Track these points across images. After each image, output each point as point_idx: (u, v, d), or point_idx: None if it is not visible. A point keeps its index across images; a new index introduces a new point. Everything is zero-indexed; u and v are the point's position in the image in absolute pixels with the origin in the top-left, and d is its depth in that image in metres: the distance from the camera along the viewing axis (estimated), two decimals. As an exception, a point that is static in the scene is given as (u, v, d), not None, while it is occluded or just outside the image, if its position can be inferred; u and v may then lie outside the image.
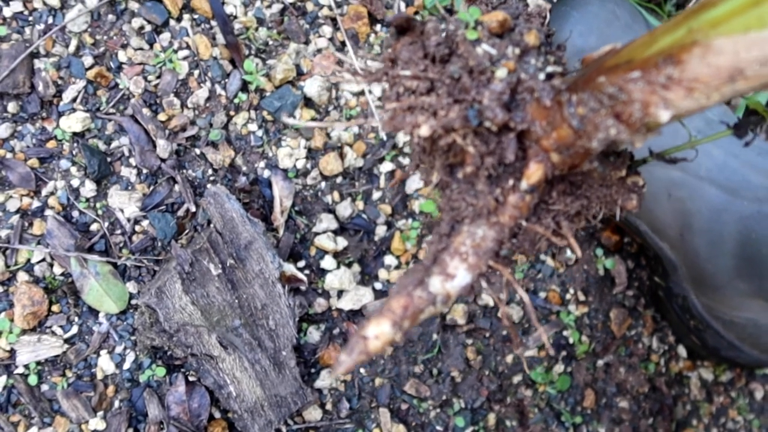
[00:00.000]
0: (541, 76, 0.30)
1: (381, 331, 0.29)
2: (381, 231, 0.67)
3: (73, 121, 0.59)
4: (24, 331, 0.57)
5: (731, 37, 0.23)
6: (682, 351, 0.77)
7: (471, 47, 0.30)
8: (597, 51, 0.31)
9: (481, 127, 0.29)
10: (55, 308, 0.59)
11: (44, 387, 0.58)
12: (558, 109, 0.29)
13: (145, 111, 0.61)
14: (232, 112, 0.64)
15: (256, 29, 0.65)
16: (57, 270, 0.59)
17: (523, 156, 0.30)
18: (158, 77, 0.62)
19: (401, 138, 0.67)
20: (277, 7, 0.66)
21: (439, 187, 0.34)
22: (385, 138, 0.67)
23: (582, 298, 0.73)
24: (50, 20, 0.60)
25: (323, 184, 0.66)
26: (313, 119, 0.66)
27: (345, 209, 0.66)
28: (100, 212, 0.60)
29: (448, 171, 0.33)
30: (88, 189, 0.60)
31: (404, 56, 0.32)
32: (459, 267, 0.31)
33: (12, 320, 0.57)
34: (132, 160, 0.61)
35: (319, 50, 0.67)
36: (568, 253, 0.72)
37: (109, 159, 0.61)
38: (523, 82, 0.29)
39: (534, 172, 0.30)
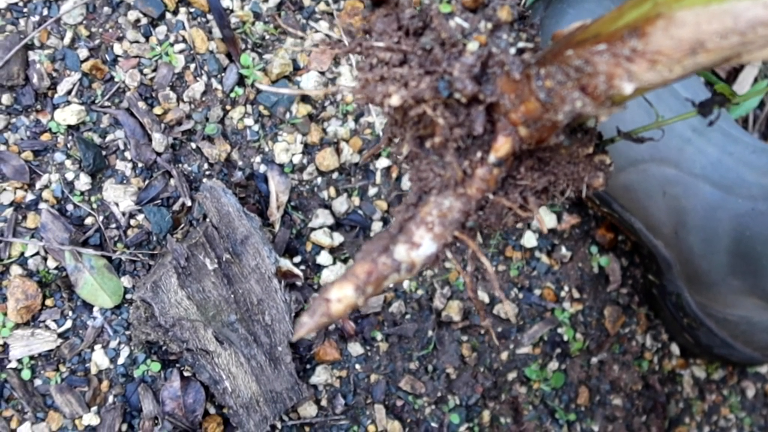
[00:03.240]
0: (512, 50, 0.30)
1: (344, 294, 0.29)
2: (377, 227, 0.67)
3: (68, 114, 0.59)
4: (17, 325, 0.57)
5: (693, 9, 0.23)
6: (675, 349, 0.78)
7: (444, 20, 0.31)
8: (568, 27, 0.31)
9: (450, 98, 0.30)
10: (48, 302, 0.58)
11: (37, 382, 0.58)
12: (527, 83, 0.29)
13: (141, 104, 0.61)
14: (228, 107, 0.63)
15: (253, 23, 0.65)
16: (51, 264, 0.58)
17: (492, 130, 0.31)
18: (154, 71, 0.62)
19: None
20: (273, 2, 0.65)
21: (408, 159, 0.34)
22: (381, 134, 0.67)
23: (576, 295, 0.73)
24: (45, 12, 0.60)
25: (319, 179, 0.66)
26: (310, 115, 0.65)
27: (341, 205, 0.66)
28: (94, 206, 0.60)
29: (418, 143, 0.33)
30: (83, 182, 0.59)
31: (378, 28, 0.32)
32: (425, 236, 0.31)
33: (5, 314, 0.56)
34: (127, 154, 0.61)
35: (315, 45, 0.66)
36: (563, 250, 0.72)
37: (104, 152, 0.60)
38: (494, 56, 0.30)
39: (502, 146, 0.30)
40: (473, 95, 0.30)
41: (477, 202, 0.32)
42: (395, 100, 0.30)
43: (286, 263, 0.62)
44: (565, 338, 0.72)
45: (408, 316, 0.67)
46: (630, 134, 0.38)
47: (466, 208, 0.32)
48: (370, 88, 0.31)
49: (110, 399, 0.59)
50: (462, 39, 0.31)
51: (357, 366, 0.66)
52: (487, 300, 0.69)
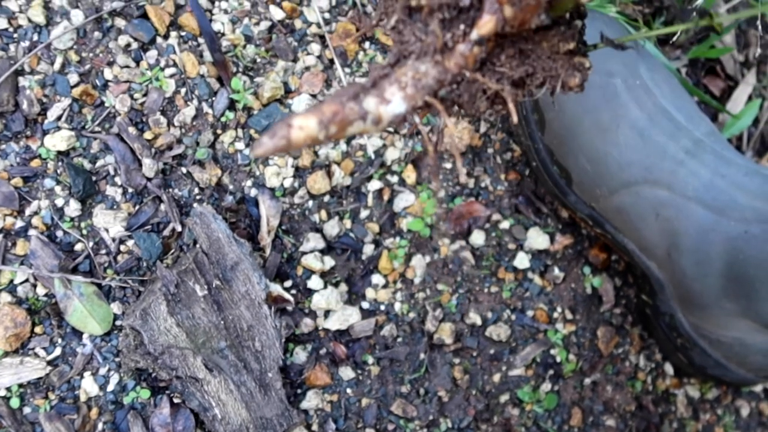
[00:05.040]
0: None
1: (306, 124, 0.29)
2: (368, 250, 0.67)
3: (58, 140, 0.59)
4: (6, 353, 0.57)
5: None
6: (668, 369, 0.78)
7: None
8: None
9: None
10: (38, 330, 0.58)
11: (26, 410, 0.57)
12: None
13: (131, 129, 0.61)
14: (219, 131, 0.63)
15: (244, 47, 0.65)
16: (40, 291, 0.58)
17: (479, 7, 0.32)
18: (144, 95, 0.62)
19: (389, 156, 0.67)
20: (265, 25, 0.65)
21: (395, 27, 0.35)
22: (372, 156, 0.67)
23: (569, 316, 0.73)
24: (35, 37, 0.60)
25: (311, 202, 0.65)
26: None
27: (332, 228, 0.66)
28: (84, 232, 0.60)
29: (407, 11, 0.34)
30: (73, 208, 0.59)
31: None
32: (396, 94, 0.32)
33: (-6, 342, 0.56)
34: (117, 179, 0.61)
35: (307, 68, 0.66)
36: (556, 271, 0.72)
37: (94, 178, 0.60)
38: None
39: (486, 23, 0.32)
40: None
41: (453, 76, 0.33)
42: None
43: (276, 288, 0.62)
44: (558, 359, 0.72)
45: (399, 339, 0.67)
46: (612, 41, 0.40)
47: (442, 77, 0.33)
48: None
49: (100, 426, 0.59)
50: None
51: (348, 390, 0.65)
52: (479, 322, 0.69)
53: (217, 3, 0.65)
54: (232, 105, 0.64)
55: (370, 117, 0.31)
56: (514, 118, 0.35)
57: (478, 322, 0.69)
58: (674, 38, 0.75)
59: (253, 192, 0.64)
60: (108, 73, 0.61)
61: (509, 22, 0.32)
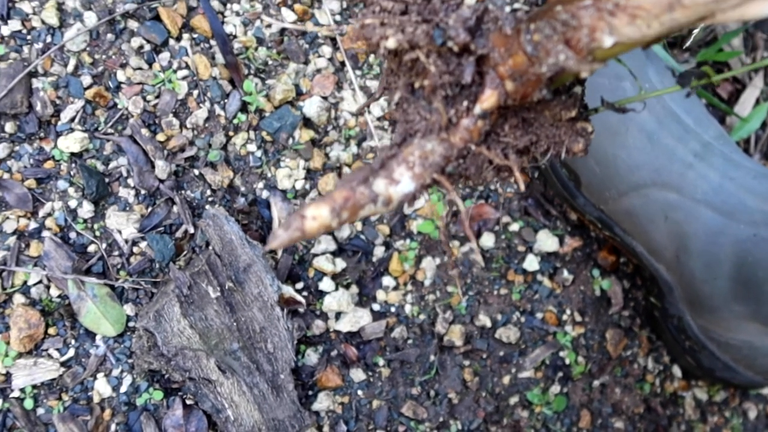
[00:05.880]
0: (508, 9, 0.32)
1: (319, 213, 0.30)
2: (379, 252, 0.67)
3: (71, 142, 0.59)
4: (20, 354, 0.57)
5: None
6: (677, 371, 0.78)
7: None
8: None
9: (443, 47, 0.32)
10: (51, 331, 0.58)
11: (40, 411, 0.58)
12: (516, 38, 0.31)
13: (144, 131, 0.61)
14: (231, 133, 0.64)
15: (256, 49, 0.65)
16: (54, 292, 0.58)
17: (480, 82, 0.33)
18: (157, 97, 0.62)
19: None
20: (276, 27, 0.66)
21: (399, 105, 0.36)
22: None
23: (578, 318, 0.73)
24: (49, 39, 0.60)
25: (322, 204, 0.66)
26: (313, 141, 0.66)
27: (343, 230, 0.66)
28: (97, 233, 0.60)
29: (409, 89, 0.35)
30: (86, 210, 0.59)
31: None
32: (404, 174, 0.32)
33: (8, 343, 0.56)
34: (130, 181, 0.61)
35: (318, 70, 0.66)
36: (565, 273, 0.72)
37: (107, 180, 0.60)
38: (490, 12, 0.32)
39: (488, 98, 0.32)
40: (465, 45, 0.31)
41: (459, 151, 0.34)
42: (391, 43, 0.32)
43: (288, 290, 0.62)
44: (567, 362, 0.72)
45: (410, 341, 0.67)
46: (613, 104, 0.40)
47: (448, 154, 0.33)
48: (369, 30, 0.33)
49: (113, 428, 0.59)
50: None
51: (359, 392, 0.66)
52: (489, 324, 0.69)
53: (229, 5, 0.65)
54: (244, 107, 0.64)
55: (381, 199, 0.31)
56: (521, 186, 0.35)
57: (488, 324, 0.69)
58: (683, 42, 0.75)
59: (265, 194, 0.64)
60: (121, 75, 0.61)
61: (511, 96, 0.32)
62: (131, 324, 0.60)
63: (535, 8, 0.33)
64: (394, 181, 0.32)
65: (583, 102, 0.37)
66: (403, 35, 0.32)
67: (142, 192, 0.61)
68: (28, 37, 0.59)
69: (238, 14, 0.65)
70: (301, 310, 0.63)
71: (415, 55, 0.32)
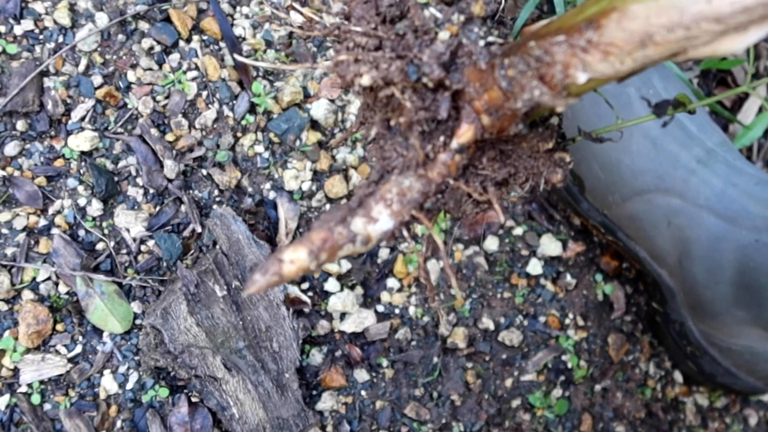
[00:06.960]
0: (482, 43, 0.32)
1: (297, 257, 0.29)
2: (384, 254, 0.68)
3: (82, 140, 0.60)
4: (28, 350, 0.57)
5: (644, 3, 0.25)
6: (678, 376, 0.78)
7: (419, 9, 0.33)
8: (536, 25, 0.33)
9: (418, 83, 0.31)
10: (59, 327, 0.59)
11: (47, 406, 0.58)
12: (491, 72, 0.31)
13: (153, 131, 0.62)
14: (239, 134, 0.64)
15: (265, 51, 0.66)
16: (62, 289, 0.59)
17: (457, 117, 0.32)
18: (167, 98, 0.62)
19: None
20: (285, 30, 0.66)
21: (375, 141, 0.35)
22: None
23: (581, 322, 0.73)
24: (60, 39, 0.60)
25: (328, 206, 0.66)
26: (319, 143, 0.66)
27: (349, 232, 0.66)
28: (106, 231, 0.60)
29: (385, 125, 0.35)
30: (95, 208, 0.60)
31: (358, 13, 0.34)
32: (383, 212, 0.32)
33: (16, 339, 0.57)
34: (139, 180, 0.61)
35: (326, 73, 0.67)
36: (568, 278, 0.73)
37: (116, 178, 0.61)
38: (464, 46, 0.32)
39: (465, 132, 0.32)
40: (440, 81, 0.31)
41: (437, 186, 0.33)
42: (366, 80, 0.31)
43: (294, 290, 0.62)
44: (569, 365, 0.73)
45: (414, 343, 0.68)
46: (590, 134, 0.40)
47: (426, 190, 0.33)
48: (343, 67, 0.33)
49: (118, 424, 0.59)
50: (434, 27, 0.32)
51: (363, 392, 0.66)
52: (492, 327, 0.70)
53: (238, 8, 0.66)
54: (252, 108, 0.65)
55: (359, 238, 0.31)
56: (501, 219, 0.35)
57: (491, 327, 0.70)
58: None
59: (272, 195, 0.65)
60: (131, 75, 0.62)
61: (488, 130, 0.32)
62: (138, 321, 0.60)
63: (509, 42, 0.33)
64: (373, 219, 0.31)
65: (561, 132, 0.37)
66: (377, 72, 0.31)
67: (151, 191, 0.62)
68: (41, 36, 0.60)
69: (247, 17, 0.66)
70: (307, 310, 0.64)
71: (390, 91, 0.32)
